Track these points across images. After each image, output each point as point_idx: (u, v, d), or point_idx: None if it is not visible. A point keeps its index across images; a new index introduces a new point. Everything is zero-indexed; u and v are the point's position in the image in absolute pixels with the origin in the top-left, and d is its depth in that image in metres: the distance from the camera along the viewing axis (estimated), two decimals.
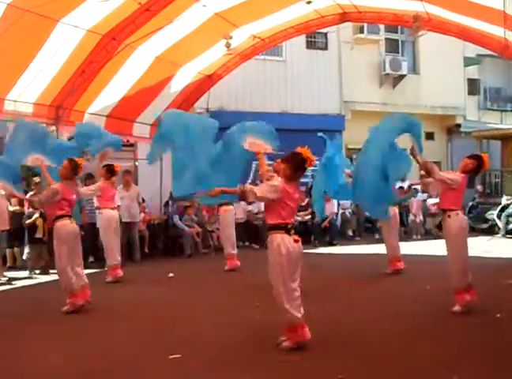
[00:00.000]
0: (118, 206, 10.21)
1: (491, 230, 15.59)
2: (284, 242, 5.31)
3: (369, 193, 8.36)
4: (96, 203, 10.34)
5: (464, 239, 6.76)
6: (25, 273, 10.32)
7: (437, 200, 15.51)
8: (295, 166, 5.38)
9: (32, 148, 7.64)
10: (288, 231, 5.38)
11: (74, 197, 7.54)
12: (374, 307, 7.20)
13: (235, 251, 10.41)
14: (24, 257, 10.61)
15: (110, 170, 9.33)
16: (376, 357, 5.18)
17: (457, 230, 6.69)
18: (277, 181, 5.48)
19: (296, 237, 5.43)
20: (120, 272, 9.40)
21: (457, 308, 6.67)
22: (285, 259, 5.29)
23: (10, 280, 9.74)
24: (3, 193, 10.09)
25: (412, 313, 6.80)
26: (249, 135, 6.90)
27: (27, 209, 10.86)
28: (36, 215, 10.40)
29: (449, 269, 6.73)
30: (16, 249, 11.22)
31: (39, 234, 10.51)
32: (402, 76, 19.22)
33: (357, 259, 12.19)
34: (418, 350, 5.37)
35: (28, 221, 10.43)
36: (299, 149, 5.45)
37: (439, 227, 7.07)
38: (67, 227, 7.18)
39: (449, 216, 6.71)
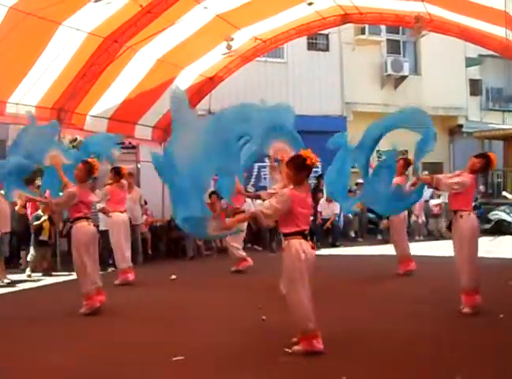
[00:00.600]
0: None
1: (494, 231, 15.59)
2: (302, 248, 5.25)
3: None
4: (98, 205, 10.34)
5: (477, 240, 6.76)
6: (26, 275, 10.35)
7: (439, 201, 15.62)
8: (297, 167, 5.31)
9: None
10: (305, 237, 5.34)
11: (91, 198, 7.60)
12: (377, 308, 7.20)
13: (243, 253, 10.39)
14: (29, 259, 10.64)
15: (117, 173, 9.36)
16: (378, 357, 5.18)
17: (470, 231, 6.68)
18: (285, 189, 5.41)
19: (312, 243, 5.42)
20: (131, 276, 9.40)
21: (467, 309, 6.65)
22: (304, 265, 5.23)
23: (13, 283, 9.75)
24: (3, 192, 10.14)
25: (413, 314, 6.80)
26: (273, 138, 6.59)
27: (30, 212, 10.90)
28: (44, 217, 10.45)
29: (459, 270, 6.70)
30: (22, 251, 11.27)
31: (44, 237, 10.55)
32: (404, 77, 19.23)
33: (360, 260, 12.19)
34: (420, 350, 5.37)
35: (36, 223, 10.49)
36: (301, 152, 5.42)
37: (450, 228, 7.03)
38: (85, 228, 7.22)
39: (461, 216, 6.69)
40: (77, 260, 7.22)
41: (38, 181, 10.95)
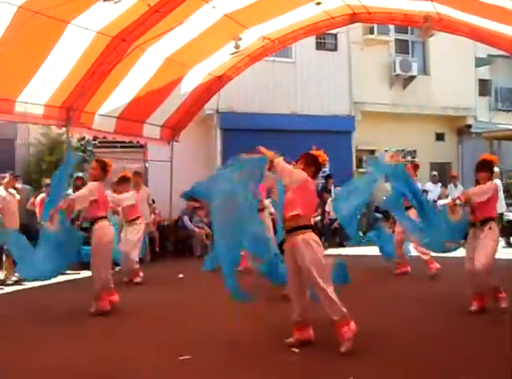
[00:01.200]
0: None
1: (505, 232, 15.48)
2: (318, 240, 5.45)
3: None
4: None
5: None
6: None
7: (447, 201, 15.50)
8: (308, 161, 5.49)
9: None
10: (314, 230, 5.50)
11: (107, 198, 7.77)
12: (383, 307, 7.20)
13: None
14: None
15: (127, 180, 9.72)
16: (385, 357, 5.18)
17: (497, 237, 6.83)
18: None
19: None
20: (140, 276, 9.62)
21: (474, 307, 6.76)
22: (324, 256, 5.42)
23: (20, 281, 9.77)
24: (14, 192, 10.20)
25: (421, 313, 6.81)
26: None
27: (38, 211, 10.92)
28: None
29: (482, 275, 6.69)
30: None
31: None
32: (412, 77, 19.15)
33: (367, 260, 12.14)
34: (427, 350, 5.36)
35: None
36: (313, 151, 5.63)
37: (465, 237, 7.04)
38: (106, 229, 7.30)
39: (490, 228, 6.72)
40: (96, 259, 7.21)
41: (47, 180, 11.01)
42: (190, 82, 13.16)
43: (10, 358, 5.42)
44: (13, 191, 10.19)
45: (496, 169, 13.71)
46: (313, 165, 5.52)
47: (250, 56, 13.38)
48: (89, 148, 14.32)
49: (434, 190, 15.85)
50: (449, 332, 6.02)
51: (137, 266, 9.61)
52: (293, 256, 5.44)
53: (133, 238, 9.60)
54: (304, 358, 5.21)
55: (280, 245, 6.25)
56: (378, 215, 16.07)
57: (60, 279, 10.03)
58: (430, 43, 18.96)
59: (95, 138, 13.89)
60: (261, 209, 9.84)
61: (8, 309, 7.70)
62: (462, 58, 19.24)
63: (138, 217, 9.76)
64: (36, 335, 6.27)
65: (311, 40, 16.83)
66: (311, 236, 5.39)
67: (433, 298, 7.62)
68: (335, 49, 18.22)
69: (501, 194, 13.38)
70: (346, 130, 17.85)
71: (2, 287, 9.47)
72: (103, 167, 7.37)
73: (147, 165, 15.16)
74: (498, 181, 13.38)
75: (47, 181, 11.00)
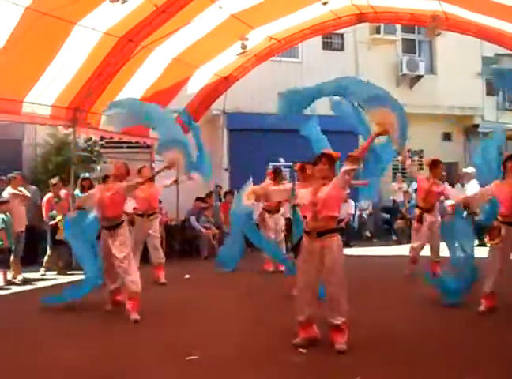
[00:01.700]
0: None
1: None
2: None
3: None
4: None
5: None
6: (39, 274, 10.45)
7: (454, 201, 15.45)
8: (331, 163, 5.55)
9: None
10: None
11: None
12: (391, 309, 7.17)
13: None
14: (46, 258, 10.75)
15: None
16: (392, 357, 5.16)
17: None
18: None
19: None
20: None
21: (482, 308, 6.79)
22: None
23: (28, 281, 9.80)
24: (20, 192, 10.24)
25: (427, 314, 6.78)
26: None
27: (45, 211, 10.95)
28: (59, 217, 10.52)
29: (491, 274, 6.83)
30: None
31: (60, 236, 10.59)
32: (419, 77, 19.09)
33: (374, 261, 12.14)
34: (434, 350, 5.34)
35: (51, 222, 10.57)
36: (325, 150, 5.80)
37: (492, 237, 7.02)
38: (128, 231, 7.46)
39: None
40: (130, 256, 7.21)
41: (53, 181, 11.03)
42: (197, 82, 13.17)
43: (10, 358, 5.42)
44: (23, 190, 10.26)
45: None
46: (333, 165, 5.58)
47: (256, 56, 13.39)
48: (96, 149, 14.33)
49: None
50: (457, 333, 6.00)
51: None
52: (320, 257, 5.38)
53: None
54: (310, 358, 5.20)
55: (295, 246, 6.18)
56: (387, 215, 16.07)
57: (67, 279, 10.09)
58: (437, 42, 18.89)
59: (101, 138, 13.90)
60: (279, 209, 10.02)
61: (11, 309, 7.72)
62: (469, 58, 19.17)
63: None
64: (37, 335, 6.27)
65: (318, 40, 16.82)
66: (340, 239, 5.53)
67: (440, 297, 7.58)
68: (342, 49, 18.20)
69: None
70: (352, 130, 17.78)
71: (10, 286, 9.50)
72: (127, 169, 7.56)
73: (154, 165, 15.16)
74: None
75: (54, 181, 11.04)
